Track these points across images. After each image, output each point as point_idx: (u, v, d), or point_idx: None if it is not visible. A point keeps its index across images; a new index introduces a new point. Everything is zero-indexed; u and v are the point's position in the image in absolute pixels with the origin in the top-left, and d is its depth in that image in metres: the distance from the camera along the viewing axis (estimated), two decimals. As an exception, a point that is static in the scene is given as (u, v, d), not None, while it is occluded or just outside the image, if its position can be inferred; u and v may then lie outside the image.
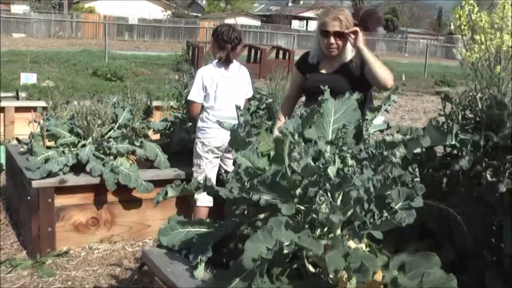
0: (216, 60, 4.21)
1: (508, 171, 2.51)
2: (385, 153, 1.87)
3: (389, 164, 1.91)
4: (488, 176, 2.49)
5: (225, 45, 4.16)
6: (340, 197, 1.86)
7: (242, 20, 42.13)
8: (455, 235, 2.32)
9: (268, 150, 2.44)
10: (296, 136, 1.97)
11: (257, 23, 48.75)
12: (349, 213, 1.90)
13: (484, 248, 2.33)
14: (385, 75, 3.45)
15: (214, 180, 4.10)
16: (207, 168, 4.22)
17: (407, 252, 2.21)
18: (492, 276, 2.28)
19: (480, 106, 2.55)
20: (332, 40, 3.56)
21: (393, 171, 1.89)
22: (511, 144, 2.45)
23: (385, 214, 1.80)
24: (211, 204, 4.15)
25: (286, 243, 1.74)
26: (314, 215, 1.95)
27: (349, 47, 3.63)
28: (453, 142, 2.51)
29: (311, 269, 2.12)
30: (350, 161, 1.85)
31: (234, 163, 2.38)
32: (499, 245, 2.35)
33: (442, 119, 2.84)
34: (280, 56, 20.54)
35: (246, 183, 1.91)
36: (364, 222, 1.83)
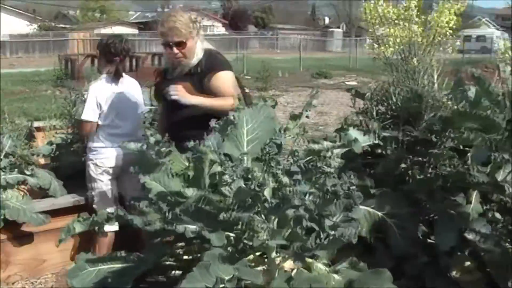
0: (105, 75, 3.90)
1: (432, 165, 2.47)
2: (319, 164, 1.72)
3: (321, 175, 1.76)
4: (416, 173, 2.42)
5: (114, 58, 3.84)
6: (277, 219, 1.69)
7: (118, 29, 41.07)
8: (387, 239, 2.24)
9: (182, 170, 2.23)
10: (222, 156, 1.77)
11: (135, 31, 47.80)
12: (286, 234, 1.74)
13: (419, 249, 2.25)
14: (222, 108, 3.22)
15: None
16: (104, 190, 3.90)
17: (347, 264, 2.08)
18: (431, 277, 2.22)
19: (394, 99, 2.49)
20: (175, 50, 3.37)
21: (327, 182, 1.75)
22: (431, 137, 2.40)
23: (331, 232, 1.64)
24: (116, 228, 3.83)
25: (227, 278, 1.54)
26: (246, 241, 1.77)
27: (191, 50, 3.43)
28: (377, 141, 2.42)
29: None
30: (284, 179, 1.67)
31: (142, 186, 2.15)
32: (432, 243, 2.29)
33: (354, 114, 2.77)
34: (156, 62, 20.13)
35: (168, 214, 1.68)
36: (306, 242, 1.67)
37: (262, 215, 1.65)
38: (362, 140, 2.26)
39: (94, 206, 3.86)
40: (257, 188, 1.61)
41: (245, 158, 1.87)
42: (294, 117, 2.34)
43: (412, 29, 2.44)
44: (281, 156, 2.02)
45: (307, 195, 1.69)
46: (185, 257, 2.18)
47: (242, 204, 1.66)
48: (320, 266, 2.01)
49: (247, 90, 3.67)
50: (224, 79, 3.24)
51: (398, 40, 2.46)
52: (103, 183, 3.88)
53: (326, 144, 2.11)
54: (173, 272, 2.20)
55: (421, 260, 2.23)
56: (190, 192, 1.99)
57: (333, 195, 1.68)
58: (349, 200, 1.75)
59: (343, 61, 28.10)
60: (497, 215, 2.41)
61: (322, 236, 1.66)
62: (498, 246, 2.23)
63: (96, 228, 2.28)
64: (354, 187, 1.77)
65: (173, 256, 2.12)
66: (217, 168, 2.10)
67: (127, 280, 2.01)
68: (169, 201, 1.81)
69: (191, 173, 2.07)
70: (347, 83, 19.71)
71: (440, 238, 2.17)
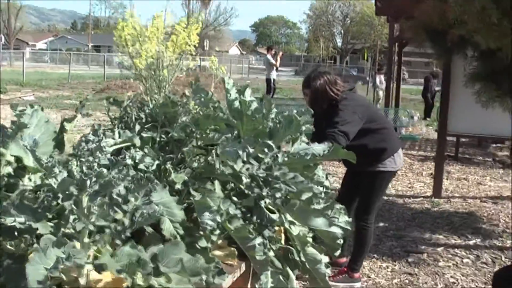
0: None
1: (183, 161, 2.93)
2: (127, 157, 2.05)
3: (124, 167, 2.09)
4: (170, 168, 2.85)
5: None
6: (96, 205, 1.95)
7: None
8: (159, 224, 2.62)
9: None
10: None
11: None
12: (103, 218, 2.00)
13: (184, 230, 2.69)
14: None
15: None
16: None
17: (129, 247, 2.41)
18: (193, 254, 2.67)
19: (151, 106, 2.90)
20: None
21: (129, 172, 2.08)
22: (184, 136, 2.87)
23: (142, 211, 1.99)
24: None
25: (65, 257, 1.76)
26: (63, 229, 1.98)
27: None
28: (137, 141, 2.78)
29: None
30: (100, 170, 1.95)
31: None
32: (192, 226, 2.74)
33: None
34: None
35: (-4, 208, 1.81)
36: (120, 222, 1.97)
37: (83, 203, 1.90)
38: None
39: None
40: (83, 177, 1.86)
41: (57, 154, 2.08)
42: (69, 119, 2.56)
43: (164, 45, 2.89)
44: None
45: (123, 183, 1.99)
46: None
47: (64, 194, 1.88)
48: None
49: None
50: None
51: (150, 54, 2.87)
52: None
53: (114, 141, 2.41)
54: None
55: (185, 241, 2.66)
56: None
57: (148, 181, 2.03)
58: (148, 186, 2.10)
59: (13, 75, 27.06)
60: (235, 198, 3.01)
61: (136, 215, 1.98)
62: (241, 224, 2.80)
63: None
64: (151, 175, 2.13)
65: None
66: (7, 169, 2.24)
67: None
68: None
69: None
70: (24, 98, 19.17)
71: (202, 220, 2.63)
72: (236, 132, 3.19)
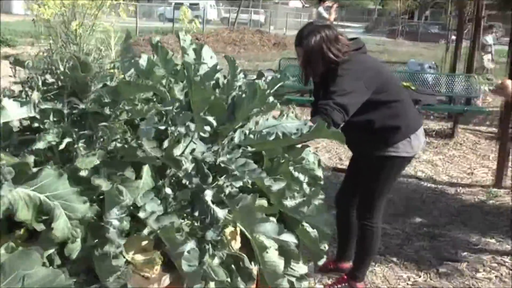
0: None
1: (100, 139, 2.66)
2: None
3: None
4: (82, 148, 2.58)
5: None
6: None
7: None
8: (53, 222, 2.37)
9: None
10: None
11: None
12: None
13: (88, 230, 2.43)
14: None
15: None
16: None
17: (3, 250, 2.18)
18: (98, 259, 2.42)
19: (62, 68, 2.62)
20: None
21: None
22: (102, 109, 2.59)
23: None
24: None
25: None
26: None
27: None
28: (33, 114, 2.51)
29: None
30: None
31: None
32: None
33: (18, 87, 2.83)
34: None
35: None
36: None
37: None
38: (16, 112, 2.36)
39: None
40: None
41: None
42: None
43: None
44: None
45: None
46: None
47: None
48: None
49: None
50: None
51: (58, 2, 2.59)
52: None
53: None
54: None
55: (89, 243, 2.40)
56: None
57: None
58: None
59: (31, 27, 27.36)
60: (168, 190, 2.70)
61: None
62: (170, 222, 2.52)
63: None
64: (4, 162, 1.88)
65: None
66: None
67: None
68: None
69: None
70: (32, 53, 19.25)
71: (107, 219, 2.36)
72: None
